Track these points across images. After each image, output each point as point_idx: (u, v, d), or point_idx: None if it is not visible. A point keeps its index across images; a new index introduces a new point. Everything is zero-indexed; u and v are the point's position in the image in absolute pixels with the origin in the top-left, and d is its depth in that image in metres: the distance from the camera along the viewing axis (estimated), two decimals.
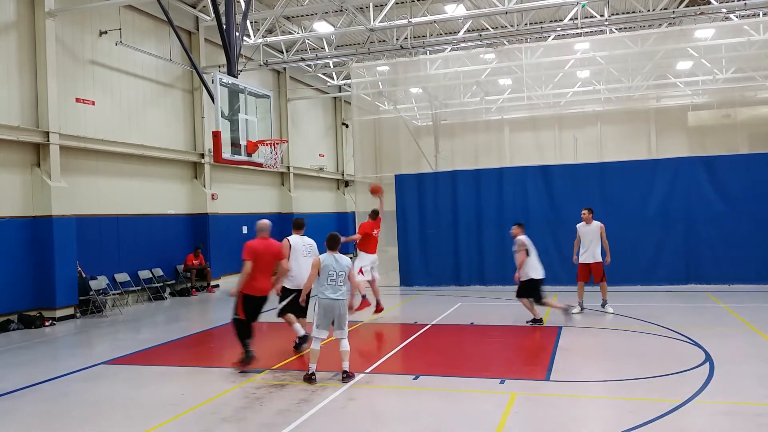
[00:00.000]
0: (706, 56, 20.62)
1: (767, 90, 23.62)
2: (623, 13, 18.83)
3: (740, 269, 14.29)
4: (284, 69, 23.79)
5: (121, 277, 15.50)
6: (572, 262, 12.02)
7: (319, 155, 27.64)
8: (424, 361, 8.80)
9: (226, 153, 9.41)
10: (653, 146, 25.31)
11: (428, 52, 21.06)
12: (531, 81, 22.12)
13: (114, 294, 14.93)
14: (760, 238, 14.29)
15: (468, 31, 17.84)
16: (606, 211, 15.13)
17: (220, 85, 9.33)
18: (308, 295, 8.15)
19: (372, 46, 19.19)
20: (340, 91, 27.11)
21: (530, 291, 10.60)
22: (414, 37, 19.59)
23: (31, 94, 13.38)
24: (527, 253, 10.66)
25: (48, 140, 13.40)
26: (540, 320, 10.72)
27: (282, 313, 9.10)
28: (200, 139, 18.89)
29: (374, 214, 12.35)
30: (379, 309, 11.74)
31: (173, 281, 17.30)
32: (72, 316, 13.56)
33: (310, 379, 7.49)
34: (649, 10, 16.20)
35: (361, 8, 16.72)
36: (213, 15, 11.61)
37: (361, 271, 11.49)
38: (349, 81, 22.13)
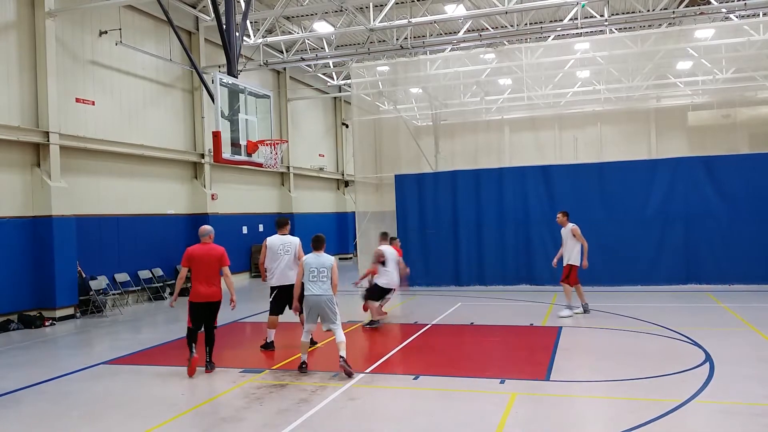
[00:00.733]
0: (706, 56, 20.62)
1: (767, 90, 23.62)
2: (623, 13, 18.82)
3: (740, 269, 14.29)
4: (284, 69, 23.79)
5: (121, 277, 15.51)
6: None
7: (319, 155, 27.65)
8: (424, 361, 8.80)
9: (226, 153, 9.40)
10: (653, 146, 25.32)
11: (428, 52, 21.06)
12: (531, 81, 22.12)
13: (114, 294, 14.93)
14: (760, 238, 14.29)
15: (468, 31, 17.85)
16: (606, 211, 15.19)
17: (220, 85, 9.33)
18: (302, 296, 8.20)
19: (372, 46, 19.18)
20: (340, 91, 27.10)
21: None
22: (414, 37, 19.58)
23: (31, 94, 13.38)
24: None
25: (48, 140, 13.40)
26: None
27: (270, 309, 9.55)
28: (200, 139, 18.89)
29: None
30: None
31: (173, 281, 17.29)
32: (72, 316, 13.57)
33: (300, 367, 8.05)
34: (649, 10, 16.20)
35: (361, 8, 16.72)
36: (213, 15, 11.60)
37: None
38: (349, 81, 22.13)
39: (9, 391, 7.77)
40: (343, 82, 25.31)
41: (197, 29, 18.74)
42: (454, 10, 17.32)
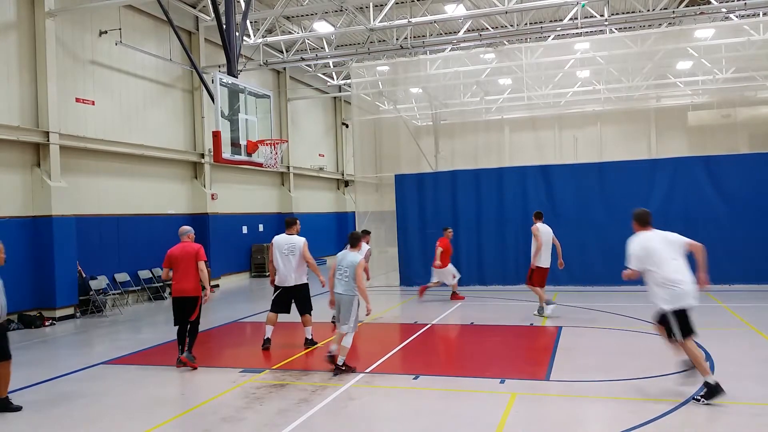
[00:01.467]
0: (706, 56, 20.62)
1: (767, 90, 23.62)
2: (623, 13, 18.82)
3: (740, 269, 14.27)
4: (284, 69, 23.79)
5: (121, 277, 15.51)
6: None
7: (319, 155, 27.66)
8: (424, 361, 8.80)
9: (226, 153, 9.41)
10: (653, 146, 25.32)
11: (428, 52, 21.06)
12: (531, 81, 22.13)
13: (114, 294, 14.93)
14: (760, 238, 14.27)
15: (468, 30, 17.85)
16: (606, 211, 15.16)
17: (220, 85, 9.33)
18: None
19: (372, 46, 19.18)
20: (340, 91, 27.11)
21: None
22: (414, 37, 19.59)
23: (31, 94, 13.39)
24: None
25: (48, 140, 13.40)
26: None
27: (272, 307, 9.65)
28: (200, 139, 18.89)
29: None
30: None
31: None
32: (72, 316, 13.57)
33: (328, 359, 8.01)
34: (649, 10, 16.19)
35: (361, 8, 16.72)
36: (213, 15, 11.60)
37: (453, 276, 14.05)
38: (349, 81, 22.13)
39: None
40: (343, 82, 25.31)
41: (197, 29, 18.75)
42: (454, 10, 17.31)
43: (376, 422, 6.30)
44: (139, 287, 15.96)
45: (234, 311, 13.81)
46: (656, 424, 5.79)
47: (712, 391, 6.19)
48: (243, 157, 9.84)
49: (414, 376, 7.78)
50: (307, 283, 9.57)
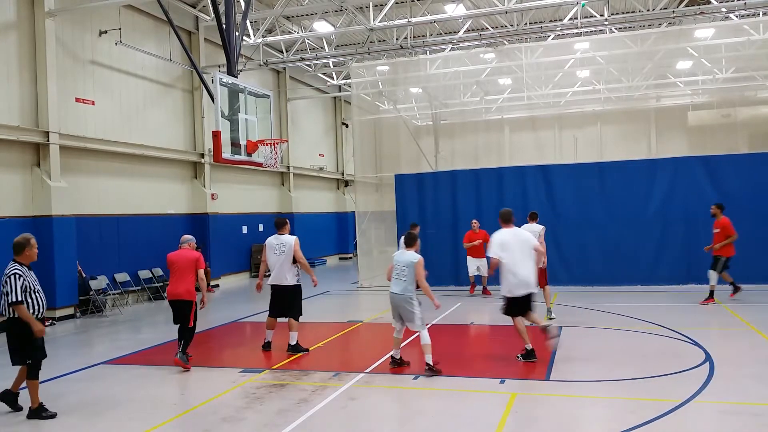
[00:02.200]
0: (706, 56, 20.62)
1: (767, 90, 23.62)
2: (623, 13, 18.82)
3: (740, 269, 14.25)
4: (284, 69, 23.79)
5: (121, 277, 15.51)
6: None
7: (319, 155, 27.66)
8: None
9: (226, 153, 9.41)
10: (653, 146, 25.33)
11: (428, 51, 21.06)
12: (531, 81, 22.13)
13: (114, 294, 14.94)
14: (760, 238, 14.27)
15: (468, 30, 17.84)
16: (606, 211, 15.18)
17: (220, 84, 9.33)
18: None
19: (372, 46, 19.18)
20: (340, 91, 27.10)
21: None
22: (414, 37, 19.59)
23: (31, 94, 13.38)
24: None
25: (48, 140, 13.40)
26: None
27: (269, 311, 9.55)
28: (200, 139, 18.89)
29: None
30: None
31: None
32: (72, 316, 13.57)
33: (392, 362, 8.01)
34: (649, 10, 16.18)
35: (361, 8, 16.71)
36: (213, 15, 11.61)
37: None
38: (349, 81, 22.12)
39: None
40: (343, 81, 25.30)
41: (197, 29, 18.75)
42: (454, 10, 17.31)
43: (376, 422, 6.30)
44: (139, 287, 15.96)
45: (234, 311, 13.81)
46: (656, 424, 5.79)
47: (528, 354, 8.20)
48: (243, 157, 9.84)
49: (414, 376, 7.78)
50: (298, 285, 9.33)
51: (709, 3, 15.33)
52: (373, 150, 20.48)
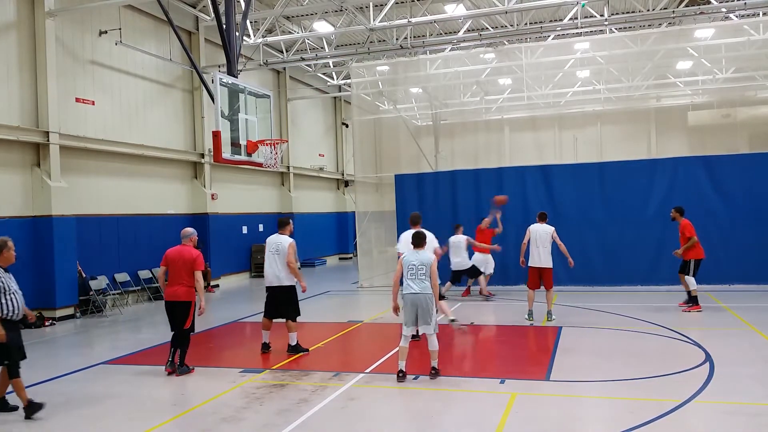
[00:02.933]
0: (706, 56, 20.62)
1: (767, 90, 23.61)
2: (623, 13, 18.82)
3: (740, 269, 14.28)
4: (284, 69, 23.79)
5: (121, 277, 15.51)
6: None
7: (319, 155, 27.66)
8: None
9: (226, 153, 9.40)
10: (653, 146, 25.32)
11: (428, 51, 21.07)
12: (531, 81, 22.12)
13: (114, 294, 14.93)
14: (760, 238, 14.27)
15: (468, 30, 17.85)
16: (606, 211, 15.17)
17: (220, 84, 9.33)
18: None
19: (372, 46, 19.18)
20: (340, 91, 27.11)
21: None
22: (414, 37, 19.59)
23: (31, 94, 13.38)
24: None
25: (48, 140, 13.40)
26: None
27: (264, 311, 9.44)
28: (200, 139, 18.90)
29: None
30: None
31: None
32: (72, 316, 13.57)
33: (398, 376, 7.58)
34: (649, 10, 16.19)
35: (361, 8, 16.71)
36: (213, 15, 11.60)
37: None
38: (349, 81, 22.12)
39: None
40: (343, 81, 25.31)
41: (197, 29, 18.75)
42: (454, 10, 17.31)
43: (376, 422, 6.30)
44: (139, 287, 15.96)
45: (234, 311, 13.80)
46: (656, 424, 5.80)
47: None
48: (243, 157, 9.83)
49: (414, 376, 7.78)
50: (292, 286, 9.16)
51: (709, 3, 15.33)
52: (373, 150, 20.47)
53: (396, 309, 7.83)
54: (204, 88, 11.03)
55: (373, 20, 15.97)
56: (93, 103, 15.02)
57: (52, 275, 13.19)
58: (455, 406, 6.60)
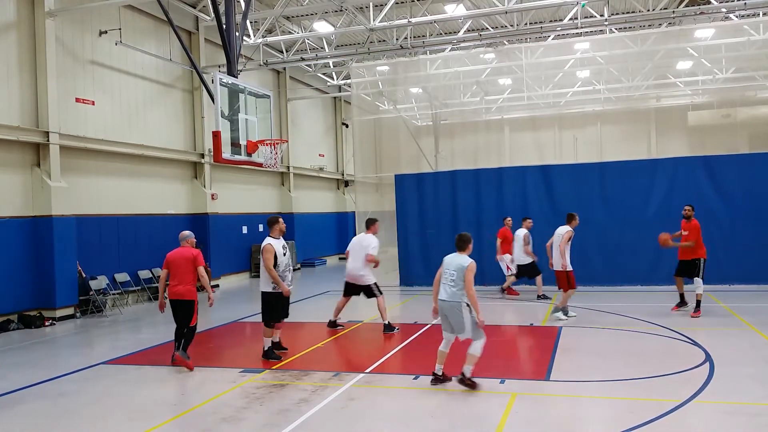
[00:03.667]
0: (706, 56, 20.63)
1: (767, 90, 23.62)
2: (623, 13, 18.82)
3: (740, 269, 14.27)
4: (284, 69, 23.79)
5: (121, 277, 15.50)
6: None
7: (319, 155, 27.66)
8: (424, 361, 8.78)
9: (226, 153, 9.40)
10: (653, 146, 25.34)
11: (428, 52, 21.07)
12: (531, 81, 22.13)
13: (114, 294, 14.93)
14: (760, 238, 14.27)
15: (468, 30, 17.85)
16: (606, 211, 15.17)
17: (220, 85, 9.33)
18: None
19: (372, 46, 19.18)
20: (340, 91, 27.11)
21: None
22: (414, 37, 19.59)
23: (31, 94, 13.38)
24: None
25: (48, 140, 13.40)
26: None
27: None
28: (200, 139, 18.89)
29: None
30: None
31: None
32: (72, 316, 13.57)
33: (434, 379, 7.28)
34: (649, 10, 16.19)
35: (361, 8, 16.71)
36: (213, 15, 11.61)
37: (508, 267, 14.21)
38: (349, 81, 22.13)
39: (9, 391, 7.77)
40: (343, 82, 25.31)
41: (197, 29, 18.74)
42: (454, 10, 17.31)
43: (376, 422, 6.30)
44: (139, 287, 15.95)
45: (234, 311, 13.80)
46: (656, 424, 5.79)
47: (387, 327, 10.55)
48: (243, 157, 9.83)
49: (414, 376, 7.78)
50: (269, 293, 8.69)
51: (709, 3, 15.33)
52: (373, 150, 20.49)
53: (435, 311, 7.41)
54: (204, 88, 11.03)
55: (373, 20, 15.97)
56: (93, 103, 15.02)
57: (52, 275, 13.19)
58: (455, 406, 6.60)
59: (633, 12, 17.35)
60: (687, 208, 11.46)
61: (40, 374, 8.50)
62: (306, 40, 20.47)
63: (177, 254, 8.59)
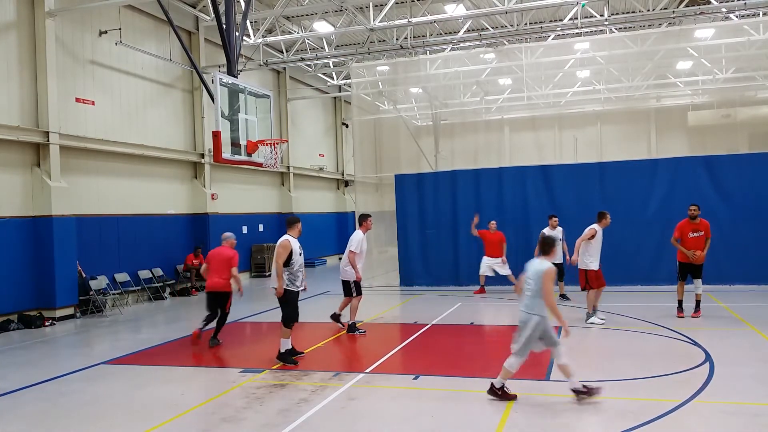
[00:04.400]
0: (706, 56, 20.62)
1: (767, 90, 23.62)
2: (623, 13, 18.82)
3: (740, 269, 14.27)
4: (284, 69, 23.79)
5: (121, 277, 15.51)
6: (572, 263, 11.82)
7: (319, 155, 27.65)
8: (424, 361, 8.80)
9: (226, 153, 9.41)
10: (653, 146, 25.34)
11: (428, 52, 21.06)
12: (531, 81, 22.13)
13: (114, 294, 14.93)
14: (759, 238, 14.27)
15: (468, 30, 17.84)
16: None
17: (220, 85, 9.33)
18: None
19: (372, 46, 19.18)
20: (340, 91, 27.10)
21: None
22: (414, 37, 19.59)
23: (31, 94, 13.38)
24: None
25: (48, 140, 13.40)
26: None
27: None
28: (200, 139, 18.89)
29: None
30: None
31: (173, 281, 17.30)
32: (72, 316, 13.57)
33: (493, 392, 6.68)
34: (649, 10, 16.19)
35: (361, 8, 16.71)
36: (213, 15, 11.61)
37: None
38: (349, 81, 22.12)
39: (9, 391, 7.77)
40: (343, 82, 25.30)
41: (197, 29, 18.74)
42: (454, 10, 17.31)
43: (376, 422, 6.30)
44: (139, 287, 15.96)
45: (234, 311, 13.72)
46: (656, 424, 5.79)
47: (351, 328, 10.61)
48: (243, 157, 9.84)
49: (414, 376, 7.78)
50: (289, 290, 8.62)
51: (709, 3, 15.33)
52: (373, 150, 20.47)
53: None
54: (204, 88, 11.04)
55: (373, 20, 15.96)
56: (93, 103, 15.02)
57: (52, 275, 13.19)
58: (455, 406, 6.60)
59: (633, 12, 17.35)
60: (693, 207, 11.24)
61: (40, 374, 8.50)
62: (306, 40, 20.47)
63: (216, 253, 10.11)
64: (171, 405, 6.99)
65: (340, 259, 28.30)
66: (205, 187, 18.94)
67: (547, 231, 12.95)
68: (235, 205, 20.76)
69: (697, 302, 11.11)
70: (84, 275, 14.11)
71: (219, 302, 10.05)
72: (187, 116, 18.72)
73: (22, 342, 11.24)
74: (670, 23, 19.25)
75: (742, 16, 17.57)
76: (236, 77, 9.89)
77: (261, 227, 22.38)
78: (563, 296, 13.34)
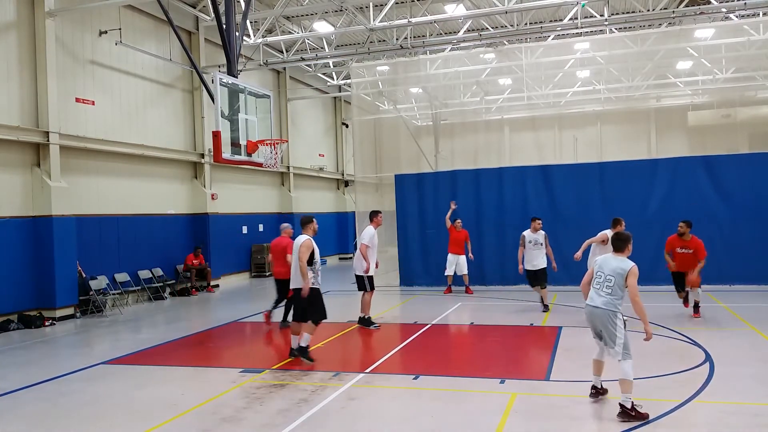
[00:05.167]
0: (706, 56, 20.62)
1: (767, 90, 23.62)
2: (623, 13, 18.82)
3: (740, 269, 14.27)
4: (284, 69, 23.78)
5: (121, 277, 15.51)
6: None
7: (319, 155, 27.66)
8: (424, 361, 8.80)
9: (226, 153, 9.41)
10: (653, 146, 25.34)
11: (428, 52, 21.06)
12: (531, 81, 22.12)
13: (114, 294, 14.93)
14: (760, 238, 14.26)
15: (468, 30, 17.84)
16: (606, 211, 15.12)
17: (220, 85, 9.33)
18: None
19: (372, 46, 19.18)
20: (340, 91, 27.10)
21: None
22: (414, 37, 19.58)
23: (31, 94, 13.38)
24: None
25: (48, 140, 13.40)
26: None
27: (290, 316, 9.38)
28: (200, 139, 18.89)
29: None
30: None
31: (173, 281, 17.30)
32: (72, 316, 13.57)
33: (593, 392, 6.59)
34: (649, 10, 16.19)
35: (361, 8, 16.71)
36: (213, 15, 11.61)
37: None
38: (349, 81, 22.13)
39: (9, 391, 7.77)
40: (343, 82, 25.30)
41: (197, 29, 18.74)
42: (454, 10, 17.31)
43: (376, 422, 6.30)
44: (139, 287, 15.95)
45: (234, 311, 13.81)
46: (656, 424, 5.80)
47: (364, 321, 10.89)
48: (243, 157, 9.84)
49: (414, 376, 7.78)
50: (314, 287, 8.63)
51: (709, 3, 15.33)
52: (373, 150, 20.48)
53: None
54: (204, 88, 11.04)
55: (373, 20, 15.96)
56: (93, 103, 15.02)
57: (52, 275, 13.19)
58: (455, 406, 6.60)
59: (633, 12, 17.34)
60: (681, 224, 11.09)
61: (40, 374, 8.50)
62: (306, 40, 20.46)
63: (276, 243, 11.05)
64: (171, 405, 6.99)
65: (341, 259, 28.42)
66: (205, 187, 18.94)
67: (527, 234, 12.34)
68: (235, 205, 20.77)
69: (696, 304, 11.13)
70: (84, 275, 14.11)
71: (284, 288, 10.58)
72: (187, 116, 18.72)
73: (22, 342, 11.24)
74: (670, 23, 19.25)
75: (742, 16, 17.57)
76: (236, 77, 9.90)
77: (261, 227, 22.38)
78: (546, 307, 12.25)
